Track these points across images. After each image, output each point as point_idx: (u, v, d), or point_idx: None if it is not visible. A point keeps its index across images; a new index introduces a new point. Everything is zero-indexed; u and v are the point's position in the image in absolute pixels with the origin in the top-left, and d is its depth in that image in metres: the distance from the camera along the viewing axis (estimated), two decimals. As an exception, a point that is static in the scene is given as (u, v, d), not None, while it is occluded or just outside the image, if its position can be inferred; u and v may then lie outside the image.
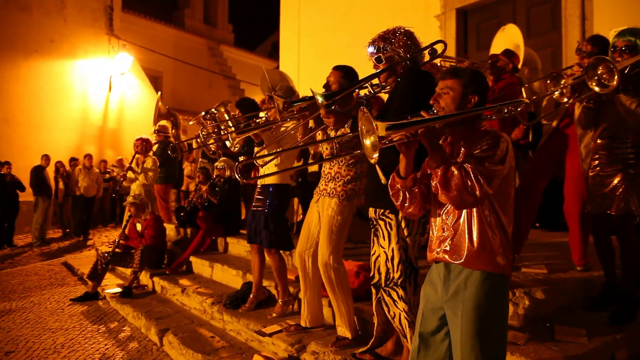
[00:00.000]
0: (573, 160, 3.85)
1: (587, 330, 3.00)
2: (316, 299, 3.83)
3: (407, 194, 2.21)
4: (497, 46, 4.88)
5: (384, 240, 2.89)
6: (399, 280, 2.84)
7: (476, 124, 2.20)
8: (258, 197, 4.37)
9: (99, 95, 14.50)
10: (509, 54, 4.62)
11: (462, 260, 2.07)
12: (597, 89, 3.07)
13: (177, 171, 8.51)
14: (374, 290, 3.11)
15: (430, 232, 2.30)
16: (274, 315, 4.20)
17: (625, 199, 3.23)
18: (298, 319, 3.96)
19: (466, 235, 2.08)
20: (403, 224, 2.85)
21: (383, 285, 2.92)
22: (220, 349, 4.06)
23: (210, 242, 6.58)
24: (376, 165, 2.82)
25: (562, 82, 3.65)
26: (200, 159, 7.47)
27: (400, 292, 2.83)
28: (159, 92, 9.58)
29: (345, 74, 3.47)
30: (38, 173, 11.12)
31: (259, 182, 4.38)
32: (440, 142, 2.15)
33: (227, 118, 5.86)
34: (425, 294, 2.26)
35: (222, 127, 5.62)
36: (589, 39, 3.83)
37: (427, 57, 3.03)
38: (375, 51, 2.94)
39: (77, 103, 13.89)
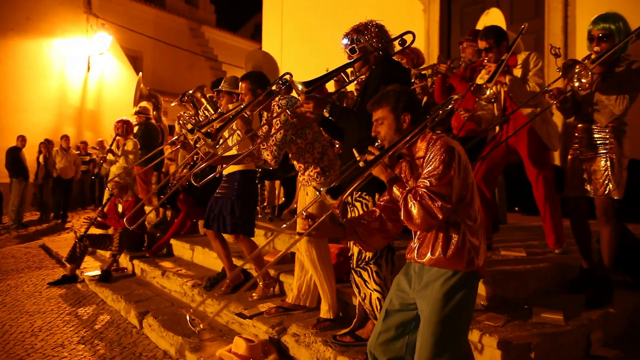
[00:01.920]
0: (523, 146, 3.85)
1: (564, 312, 3.04)
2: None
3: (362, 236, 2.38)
4: (480, 31, 4.86)
5: None
6: (373, 259, 2.89)
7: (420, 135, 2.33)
8: (224, 184, 4.39)
9: (77, 76, 14.20)
10: (476, 33, 4.56)
11: (431, 263, 2.23)
12: (577, 84, 3.12)
13: (158, 153, 8.39)
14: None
15: None
16: (255, 297, 4.19)
17: (605, 183, 3.26)
18: (279, 301, 3.97)
19: (431, 243, 2.23)
20: (379, 206, 2.88)
21: (354, 265, 2.98)
22: (201, 331, 4.04)
23: (191, 225, 6.53)
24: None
25: (485, 88, 3.66)
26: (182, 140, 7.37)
27: (374, 268, 2.88)
28: (140, 73, 9.40)
29: (253, 81, 3.77)
30: (14, 154, 10.89)
31: (224, 171, 4.37)
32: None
33: (204, 102, 5.96)
34: (398, 281, 2.41)
35: (201, 112, 5.69)
36: (482, 34, 3.85)
37: (397, 47, 3.22)
38: (349, 43, 3.11)
39: (54, 83, 13.58)
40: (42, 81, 13.29)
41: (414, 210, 2.09)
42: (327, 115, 3.15)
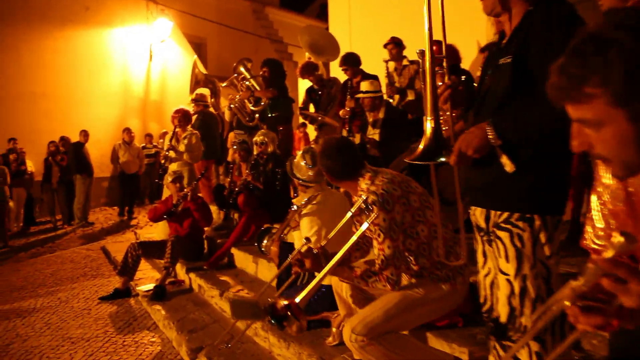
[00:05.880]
0: None
1: None
2: None
3: None
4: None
5: (508, 262, 1.81)
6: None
7: None
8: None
9: (139, 66, 13.64)
10: None
11: None
12: None
13: (219, 144, 7.59)
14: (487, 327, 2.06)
15: None
16: (331, 341, 3.17)
17: None
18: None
19: None
20: (543, 238, 1.76)
21: (496, 336, 1.91)
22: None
23: (255, 230, 5.61)
24: (496, 148, 1.76)
25: None
26: (235, 131, 6.50)
27: (535, 347, 1.77)
28: (195, 56, 8.64)
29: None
30: (77, 150, 10.48)
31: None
32: None
33: (248, 76, 5.79)
34: None
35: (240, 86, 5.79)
36: None
37: None
38: None
39: (117, 74, 13.09)
40: (105, 72, 12.83)
41: None
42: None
